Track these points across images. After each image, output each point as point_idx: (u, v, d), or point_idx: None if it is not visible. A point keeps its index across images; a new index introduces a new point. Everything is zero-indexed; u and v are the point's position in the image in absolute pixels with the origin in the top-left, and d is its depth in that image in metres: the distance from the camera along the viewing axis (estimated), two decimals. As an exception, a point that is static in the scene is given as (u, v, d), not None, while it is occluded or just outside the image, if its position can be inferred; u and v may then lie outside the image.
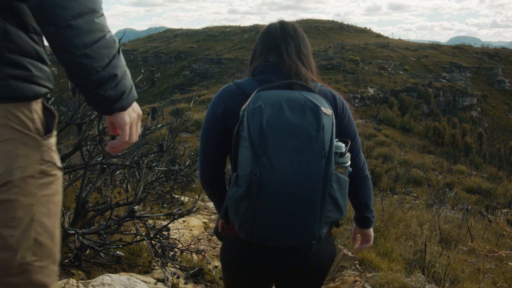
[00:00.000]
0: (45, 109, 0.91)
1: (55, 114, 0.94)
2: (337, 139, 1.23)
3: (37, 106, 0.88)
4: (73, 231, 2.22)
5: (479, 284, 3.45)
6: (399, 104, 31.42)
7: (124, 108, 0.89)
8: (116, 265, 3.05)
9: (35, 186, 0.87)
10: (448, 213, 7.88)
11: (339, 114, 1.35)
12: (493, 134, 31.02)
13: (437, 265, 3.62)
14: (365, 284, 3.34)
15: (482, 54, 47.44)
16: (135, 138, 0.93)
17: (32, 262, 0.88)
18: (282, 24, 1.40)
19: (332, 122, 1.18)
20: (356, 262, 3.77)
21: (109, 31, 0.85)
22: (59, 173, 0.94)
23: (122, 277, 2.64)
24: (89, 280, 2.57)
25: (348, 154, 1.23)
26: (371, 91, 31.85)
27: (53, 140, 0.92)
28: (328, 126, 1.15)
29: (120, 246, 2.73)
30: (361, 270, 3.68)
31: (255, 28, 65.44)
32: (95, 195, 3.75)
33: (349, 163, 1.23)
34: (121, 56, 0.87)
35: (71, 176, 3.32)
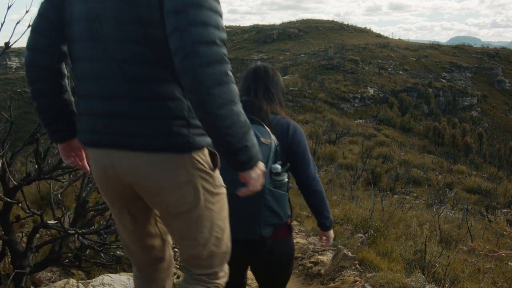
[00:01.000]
0: (209, 151, 1.31)
1: (216, 154, 1.31)
2: (279, 162, 1.57)
3: (205, 150, 1.28)
4: (73, 231, 2.22)
5: (479, 284, 3.45)
6: (399, 104, 31.42)
7: (251, 168, 1.18)
8: (116, 265, 3.05)
9: (213, 203, 1.31)
10: (448, 213, 7.88)
11: (289, 139, 1.69)
12: (493, 134, 31.03)
13: (437, 265, 3.62)
14: (365, 284, 3.34)
15: (482, 54, 47.43)
16: (258, 187, 1.22)
17: (214, 250, 1.36)
18: (255, 68, 1.78)
19: (269, 149, 1.54)
20: (356, 262, 3.77)
21: (244, 114, 1.15)
22: (224, 190, 1.37)
23: (122, 277, 2.64)
24: (89, 280, 2.57)
25: (284, 174, 1.57)
26: (371, 91, 31.85)
27: (217, 171, 1.33)
28: (264, 152, 1.47)
29: (120, 246, 2.73)
30: (361, 270, 3.68)
31: (255, 28, 65.46)
32: (95, 195, 3.75)
33: (285, 180, 1.58)
34: (251, 131, 1.17)
35: (71, 176, 3.32)
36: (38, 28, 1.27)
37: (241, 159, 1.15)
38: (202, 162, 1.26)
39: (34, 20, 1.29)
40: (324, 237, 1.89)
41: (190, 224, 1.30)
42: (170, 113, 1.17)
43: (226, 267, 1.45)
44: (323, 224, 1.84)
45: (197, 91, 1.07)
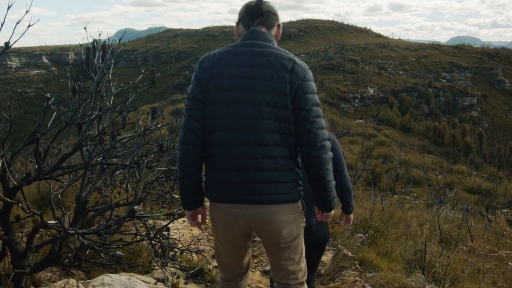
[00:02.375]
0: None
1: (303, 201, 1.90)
2: None
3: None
4: (73, 231, 2.22)
5: (479, 284, 3.44)
6: (399, 104, 31.40)
7: (333, 209, 1.96)
8: (116, 265, 3.05)
9: (301, 230, 1.88)
10: (448, 213, 7.88)
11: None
12: (493, 134, 31.01)
13: (437, 265, 3.62)
14: (365, 284, 3.34)
15: (482, 54, 47.41)
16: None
17: (302, 266, 1.91)
18: None
19: None
20: (356, 262, 3.76)
21: (333, 181, 1.83)
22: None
23: (122, 277, 2.64)
24: (89, 280, 2.57)
25: None
26: (371, 91, 31.83)
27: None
28: None
29: (120, 246, 2.73)
30: (361, 270, 3.68)
31: (255, 28, 65.41)
32: (95, 195, 3.75)
33: None
34: (333, 182, 1.83)
35: (71, 176, 3.32)
36: (191, 128, 1.74)
37: (331, 205, 1.86)
38: (300, 207, 1.85)
39: (186, 121, 1.75)
40: (345, 219, 2.44)
41: (291, 249, 1.84)
42: (291, 177, 1.77)
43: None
44: (348, 210, 2.42)
45: (320, 168, 1.72)
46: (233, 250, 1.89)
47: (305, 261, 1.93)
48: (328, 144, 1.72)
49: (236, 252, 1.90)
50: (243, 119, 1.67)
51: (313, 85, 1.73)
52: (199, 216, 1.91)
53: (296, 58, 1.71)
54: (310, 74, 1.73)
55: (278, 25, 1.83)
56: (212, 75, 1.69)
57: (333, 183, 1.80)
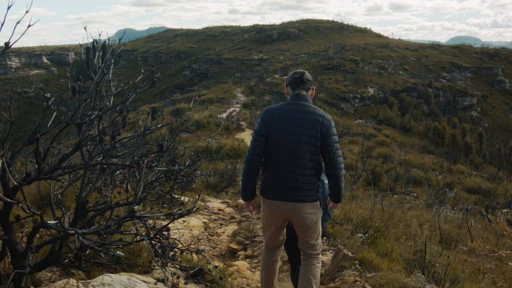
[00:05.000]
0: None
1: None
2: None
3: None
4: (73, 231, 2.22)
5: (479, 284, 3.44)
6: (399, 104, 31.41)
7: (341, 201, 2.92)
8: (116, 265, 3.05)
9: (319, 218, 2.84)
10: (448, 213, 7.87)
11: None
12: (493, 134, 31.02)
13: (437, 265, 3.62)
14: (365, 284, 3.34)
15: (482, 54, 47.43)
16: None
17: (319, 241, 2.88)
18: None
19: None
20: (356, 262, 3.77)
21: (343, 186, 2.81)
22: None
23: (122, 277, 2.64)
24: (89, 280, 2.57)
25: None
26: (371, 91, 31.84)
27: None
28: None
29: (120, 246, 2.73)
30: (361, 270, 3.68)
31: (255, 28, 65.42)
32: (95, 195, 3.75)
33: None
34: (343, 186, 2.80)
35: (71, 176, 3.32)
36: (256, 152, 2.71)
37: (340, 198, 2.81)
38: (318, 204, 2.82)
39: (254, 147, 2.71)
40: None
41: (312, 230, 2.79)
42: (314, 187, 2.76)
43: None
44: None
45: (338, 179, 2.71)
46: (275, 229, 2.89)
47: (320, 238, 2.90)
48: (343, 165, 2.73)
49: (276, 231, 2.89)
50: (290, 151, 2.66)
51: (334, 130, 2.73)
52: (251, 206, 2.95)
53: (324, 114, 2.72)
54: (332, 123, 2.73)
55: (313, 88, 2.87)
56: (273, 121, 2.68)
57: (343, 186, 2.78)
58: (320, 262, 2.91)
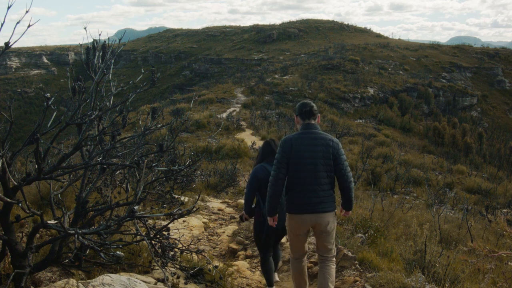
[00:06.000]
0: None
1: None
2: None
3: None
4: (73, 231, 2.22)
5: (479, 284, 3.44)
6: (399, 104, 31.40)
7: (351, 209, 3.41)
8: (116, 265, 3.05)
9: (335, 225, 3.33)
10: (448, 213, 7.87)
11: None
12: (493, 134, 31.02)
13: (437, 265, 3.62)
14: (365, 284, 3.34)
15: (482, 54, 47.41)
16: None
17: (333, 247, 3.30)
18: (272, 140, 3.83)
19: None
20: (356, 262, 3.77)
21: (354, 196, 3.48)
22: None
23: (122, 277, 2.64)
24: (89, 280, 2.57)
25: None
26: (371, 91, 31.83)
27: None
28: None
29: (120, 246, 2.73)
30: (361, 270, 3.68)
31: (255, 28, 65.39)
32: (95, 195, 3.75)
33: None
34: (353, 196, 3.31)
35: (71, 176, 3.32)
36: (280, 175, 3.13)
37: (352, 207, 3.28)
38: (335, 214, 3.27)
39: (278, 171, 3.14)
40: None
41: (330, 235, 3.23)
42: (332, 199, 3.19)
43: None
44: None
45: (349, 192, 3.20)
46: (300, 240, 3.30)
47: (335, 243, 3.38)
48: (352, 179, 3.21)
49: (301, 241, 3.31)
50: (309, 172, 3.12)
51: (342, 150, 3.22)
52: (274, 220, 3.33)
53: (333, 138, 3.22)
54: (340, 145, 3.23)
55: (318, 116, 3.34)
56: (291, 149, 3.13)
57: (353, 197, 3.25)
58: (335, 263, 3.32)
